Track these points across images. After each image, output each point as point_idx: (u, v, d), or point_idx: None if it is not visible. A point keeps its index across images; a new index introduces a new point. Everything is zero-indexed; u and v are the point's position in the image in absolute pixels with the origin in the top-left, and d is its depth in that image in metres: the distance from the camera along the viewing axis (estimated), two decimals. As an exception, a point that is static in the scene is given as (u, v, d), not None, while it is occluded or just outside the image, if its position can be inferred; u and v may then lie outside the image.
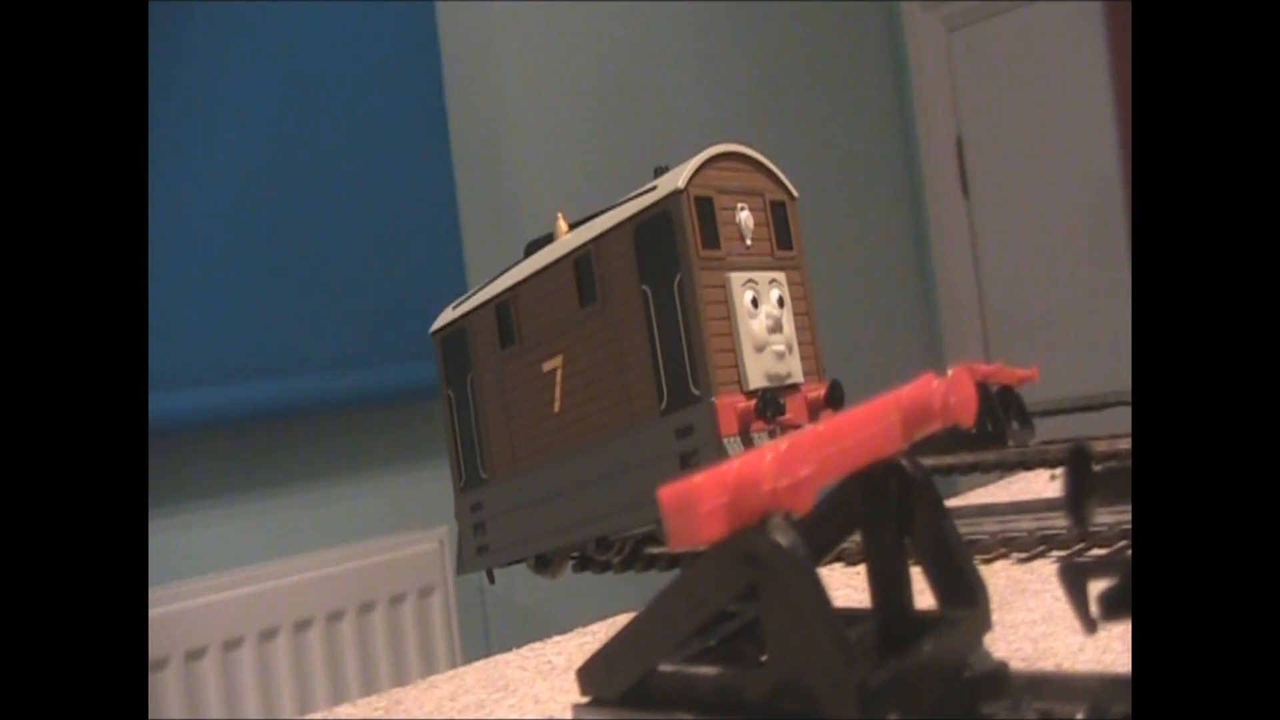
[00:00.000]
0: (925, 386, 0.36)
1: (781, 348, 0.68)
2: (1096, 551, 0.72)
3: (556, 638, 0.71)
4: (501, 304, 0.79)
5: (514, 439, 0.79)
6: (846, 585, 0.71)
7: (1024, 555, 0.74)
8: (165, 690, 1.44)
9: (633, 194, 0.70)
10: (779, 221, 0.71)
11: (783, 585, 0.31)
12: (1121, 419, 0.72)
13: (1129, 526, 0.71)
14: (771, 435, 0.66)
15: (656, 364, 0.67)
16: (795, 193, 0.73)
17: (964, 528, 0.81)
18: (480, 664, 0.68)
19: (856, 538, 0.40)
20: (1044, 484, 1.06)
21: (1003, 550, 0.75)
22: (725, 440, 0.64)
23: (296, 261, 1.64)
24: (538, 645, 0.70)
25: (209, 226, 1.55)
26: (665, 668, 0.37)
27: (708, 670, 0.36)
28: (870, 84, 2.91)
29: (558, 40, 2.15)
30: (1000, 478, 1.15)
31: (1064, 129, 2.67)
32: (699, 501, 0.31)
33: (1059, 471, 0.78)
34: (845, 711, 0.31)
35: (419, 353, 0.96)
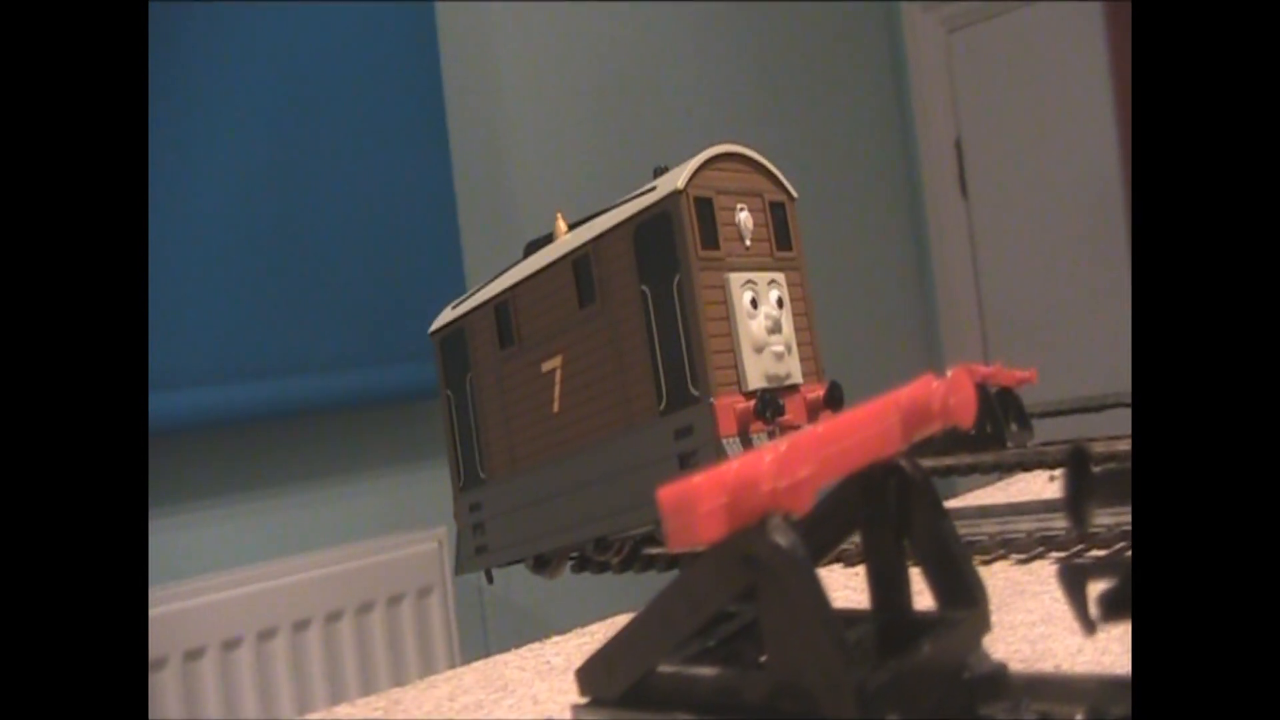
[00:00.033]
0: (924, 388, 0.36)
1: (780, 348, 0.68)
2: (1096, 553, 0.72)
3: (555, 638, 0.71)
4: (501, 304, 0.79)
5: (513, 439, 0.79)
6: (845, 586, 0.71)
7: (1023, 556, 0.74)
8: (164, 690, 1.44)
9: (632, 194, 0.70)
10: (778, 222, 0.71)
11: (782, 586, 0.31)
12: (1121, 420, 0.72)
13: (1128, 528, 0.71)
14: (770, 436, 0.66)
15: (655, 365, 0.67)
16: (794, 193, 0.73)
17: (963, 529, 0.81)
18: (479, 664, 0.68)
19: (856, 539, 0.40)
20: (1043, 485, 1.06)
21: (1002, 551, 0.75)
22: (724, 441, 0.64)
23: (296, 262, 1.64)
24: (536, 645, 0.70)
25: (209, 226, 1.55)
26: (664, 668, 0.37)
27: (707, 671, 0.36)
28: (869, 85, 2.91)
29: (557, 40, 2.15)
30: (999, 479, 1.15)
31: (1063, 130, 2.67)
32: (698, 502, 0.31)
33: (1058, 473, 0.78)
34: (844, 712, 0.31)
35: (418, 353, 0.96)
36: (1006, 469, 1.16)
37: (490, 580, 0.86)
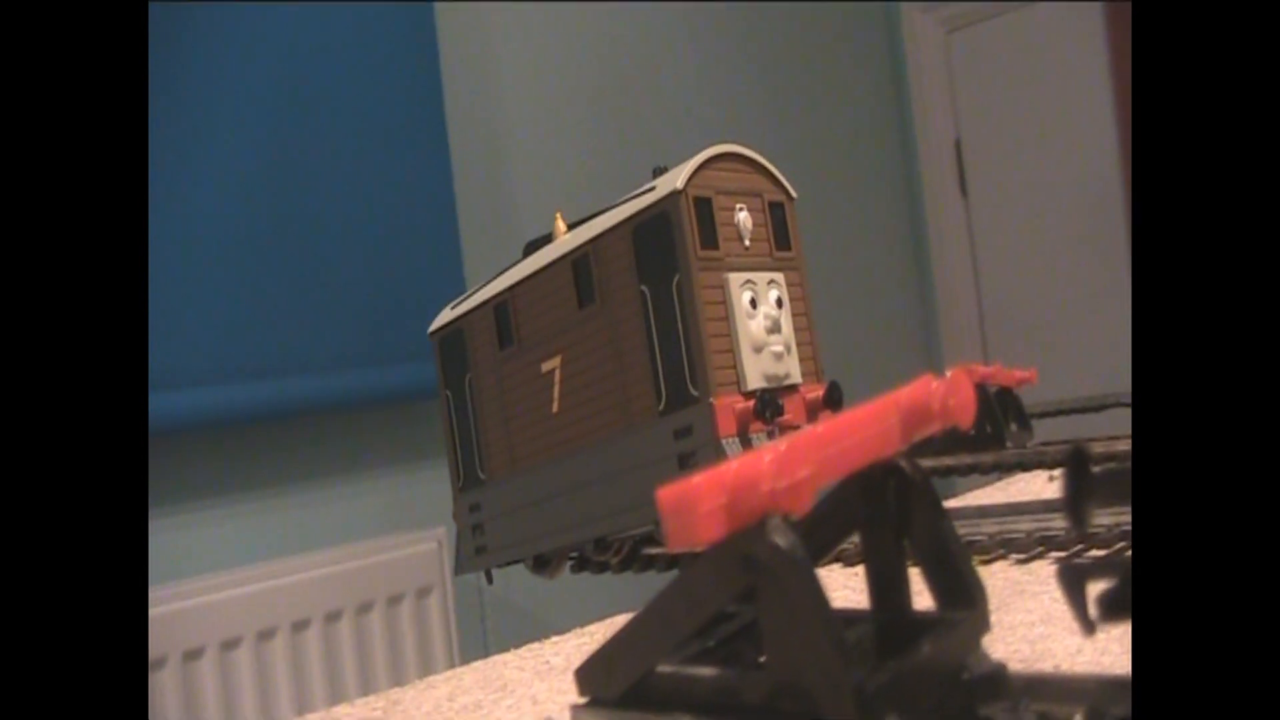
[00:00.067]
0: (924, 388, 0.36)
1: (780, 348, 0.68)
2: (1095, 553, 0.72)
3: (555, 638, 0.71)
4: (500, 304, 0.79)
5: (512, 439, 0.79)
6: (845, 586, 0.71)
7: (1022, 556, 0.74)
8: (163, 690, 1.44)
9: (631, 194, 0.70)
10: (777, 222, 0.71)
11: (781, 587, 0.31)
12: (1120, 420, 0.72)
13: (1128, 528, 0.71)
14: (770, 436, 0.66)
15: (655, 365, 0.67)
16: (794, 193, 0.73)
17: (962, 529, 0.81)
18: (478, 664, 0.68)
19: (855, 539, 0.40)
20: (1042, 485, 1.06)
21: (1001, 551, 0.75)
22: (724, 441, 0.64)
23: (296, 262, 1.64)
24: (536, 646, 0.70)
25: (209, 226, 1.55)
26: (664, 669, 0.37)
27: (706, 671, 0.36)
28: (869, 85, 2.91)
29: (557, 40, 2.15)
30: (999, 479, 1.15)
31: (1063, 130, 2.67)
32: (697, 502, 0.31)
33: (1057, 473, 0.78)
34: (843, 713, 0.31)
35: (418, 353, 0.96)
36: (1006, 469, 1.16)
37: (490, 580, 0.86)
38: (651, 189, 0.68)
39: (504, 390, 0.79)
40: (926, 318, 2.96)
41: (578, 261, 0.73)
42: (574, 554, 0.85)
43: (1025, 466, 1.14)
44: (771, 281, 0.69)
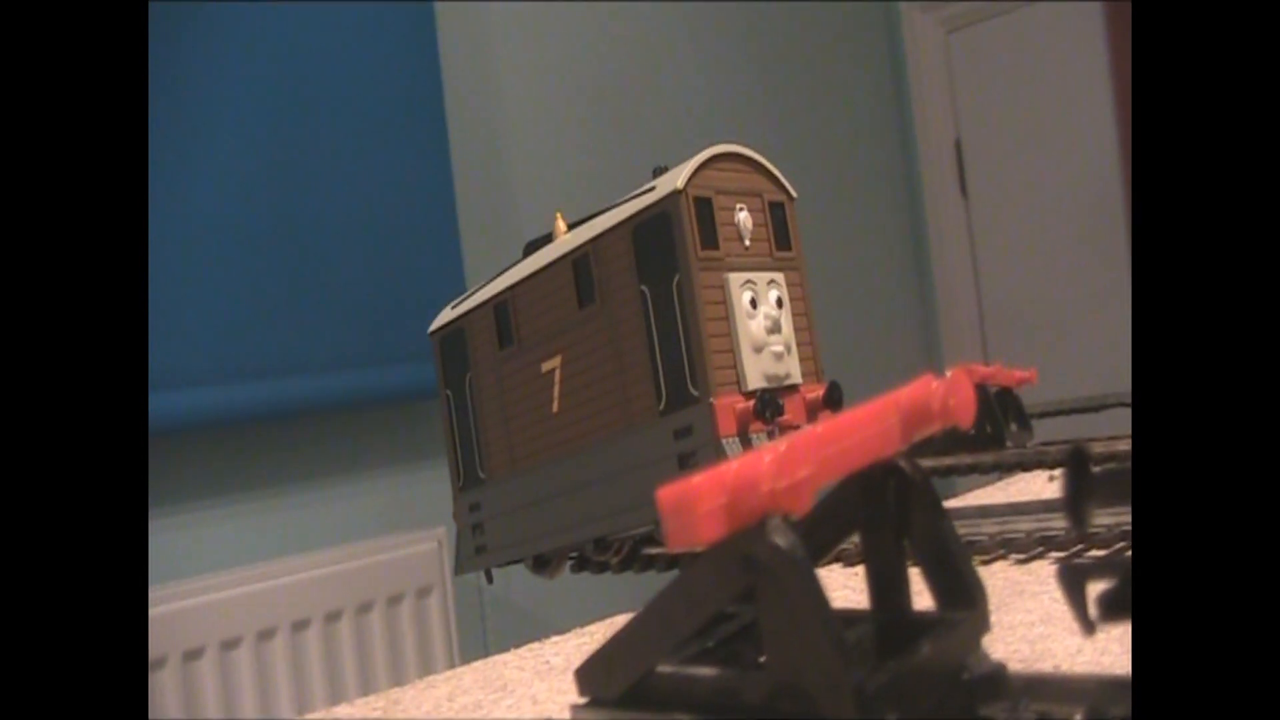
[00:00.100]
0: (924, 388, 0.36)
1: (780, 348, 0.68)
2: (1095, 553, 0.72)
3: (555, 638, 0.71)
4: (500, 304, 0.79)
5: (512, 439, 0.79)
6: (845, 586, 0.71)
7: (1022, 557, 0.74)
8: (163, 690, 1.44)
9: (631, 194, 0.70)
10: (778, 222, 0.71)
11: (781, 587, 0.31)
12: (1120, 420, 0.72)
13: (1128, 528, 0.71)
14: (770, 436, 0.66)
15: (655, 365, 0.67)
16: (794, 193, 0.73)
17: (962, 529, 0.81)
18: (478, 664, 0.68)
19: (855, 539, 0.40)
20: (1042, 485, 1.05)
21: (1001, 552, 0.75)
22: (724, 441, 0.64)
23: (296, 262, 1.64)
24: (536, 646, 0.70)
25: (209, 226, 1.55)
26: (663, 669, 0.37)
27: (706, 672, 0.36)
28: (869, 85, 2.91)
29: (557, 40, 2.15)
30: (999, 479, 1.15)
31: (1063, 130, 2.67)
32: (697, 502, 0.31)
33: (1058, 473, 0.78)
34: (843, 713, 0.30)
35: (418, 353, 0.96)
36: (1006, 469, 1.16)
37: (490, 580, 0.86)
38: (652, 189, 0.68)
39: (504, 390, 0.79)
40: (926, 318, 2.96)
41: (578, 261, 0.73)
42: (574, 554, 0.85)
43: (1025, 466, 1.14)
44: (772, 281, 0.69)
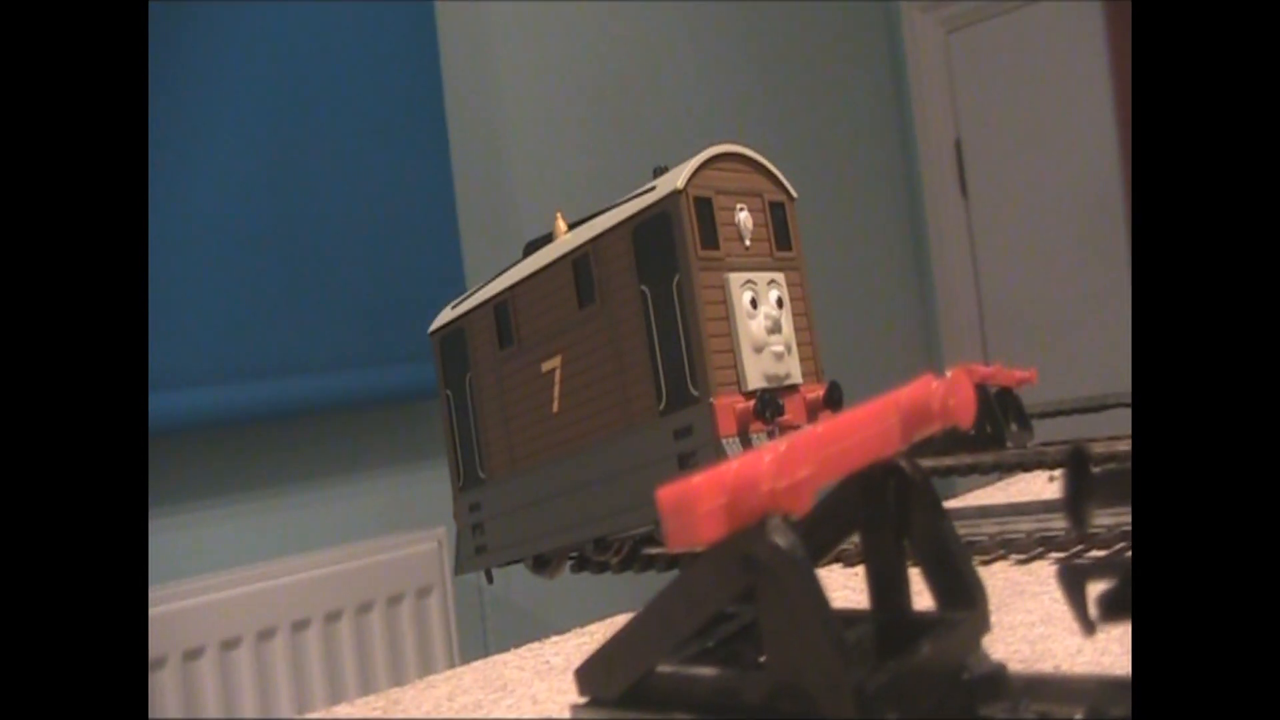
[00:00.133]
0: (924, 388, 0.36)
1: (780, 348, 0.68)
2: (1095, 553, 0.72)
3: (555, 638, 0.71)
4: (500, 304, 0.79)
5: (512, 439, 0.79)
6: (845, 586, 0.71)
7: (1022, 557, 0.74)
8: (163, 690, 1.44)
9: (632, 194, 0.70)
10: (778, 222, 0.71)
11: (781, 587, 0.31)
12: (1121, 421, 0.72)
13: (1128, 528, 0.71)
14: (770, 436, 0.66)
15: (655, 365, 0.67)
16: (794, 193, 0.73)
17: (963, 529, 0.81)
18: (478, 664, 0.68)
19: (855, 539, 0.40)
20: (1043, 486, 1.05)
21: (1001, 552, 0.75)
22: (724, 441, 0.64)
23: (296, 261, 1.64)
24: (536, 645, 0.70)
25: (209, 226, 1.55)
26: (663, 669, 0.37)
27: (706, 672, 0.36)
28: (869, 85, 2.91)
29: (557, 40, 2.15)
30: (999, 479, 1.15)
31: (1063, 130, 2.67)
32: (697, 502, 0.31)
33: (1058, 473, 0.78)
34: (843, 713, 0.30)
35: (418, 353, 0.96)
36: (1006, 469, 1.16)
37: (490, 580, 0.86)
38: (652, 189, 0.68)
39: (504, 390, 0.79)
40: (926, 318, 2.96)
41: (578, 261, 0.73)
42: (574, 554, 0.85)
43: (1025, 467, 1.14)
44: (772, 281, 0.69)
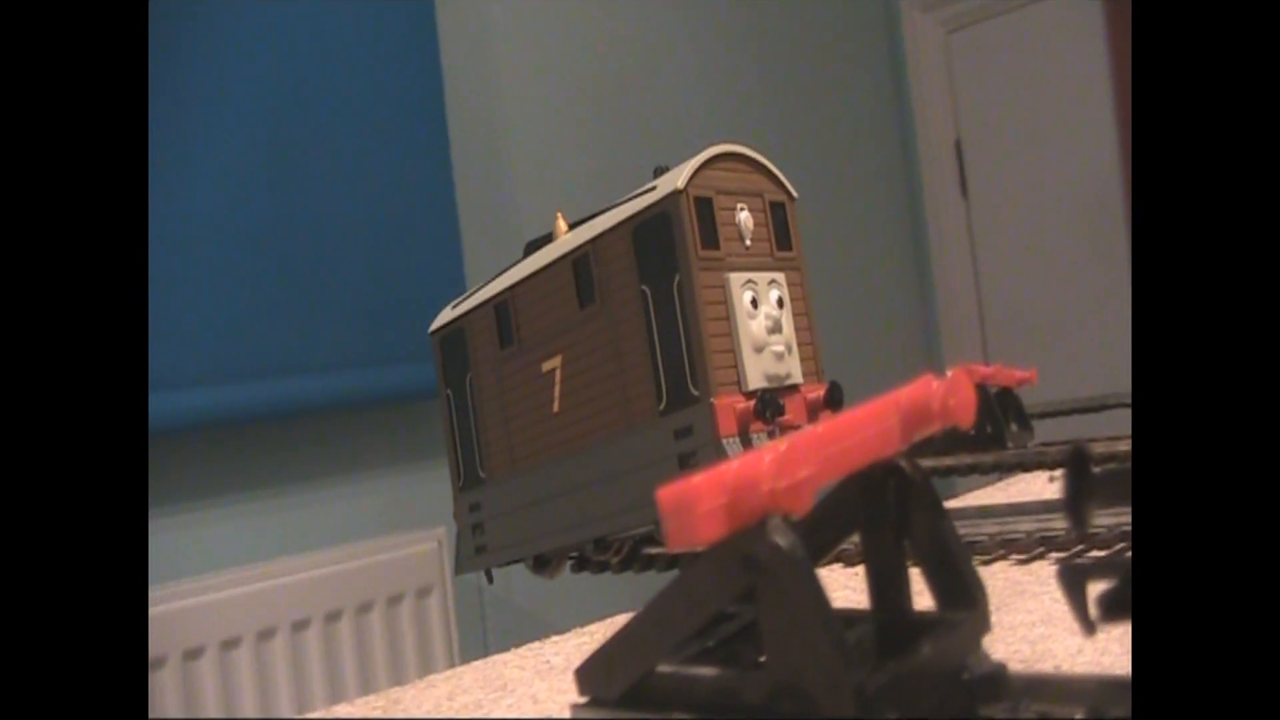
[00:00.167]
0: (924, 388, 0.36)
1: (780, 348, 0.68)
2: (1096, 553, 0.72)
3: (555, 638, 0.71)
4: (500, 304, 0.79)
5: (512, 439, 0.79)
6: (845, 586, 0.71)
7: (1023, 557, 0.74)
8: (163, 689, 1.44)
9: (632, 194, 0.70)
10: (778, 222, 0.71)
11: (781, 587, 0.31)
12: (1121, 421, 0.72)
13: (1128, 528, 0.71)
14: (770, 436, 0.66)
15: (655, 365, 0.67)
16: (794, 194, 0.73)
17: (963, 529, 0.81)
18: (478, 664, 0.68)
19: (855, 539, 0.40)
20: (1043, 486, 1.05)
21: (1001, 552, 0.75)
22: (724, 441, 0.64)
23: (295, 262, 1.64)
24: (536, 645, 0.70)
25: (209, 227, 1.55)
26: (664, 669, 0.37)
27: (706, 671, 0.36)
28: (869, 85, 2.91)
29: (557, 40, 2.15)
30: (999, 479, 1.15)
31: (1063, 131, 2.67)
32: (697, 502, 0.31)
33: (1058, 473, 0.78)
34: (843, 713, 0.30)
35: (418, 353, 0.96)
36: (1006, 469, 1.16)
37: (490, 580, 0.86)
38: (652, 189, 0.68)
39: (504, 390, 0.79)
40: (926, 318, 2.96)
41: (578, 261, 0.72)
42: (574, 554, 0.85)
43: (1025, 467, 1.14)
44: (772, 281, 0.69)
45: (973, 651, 0.37)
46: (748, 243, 0.69)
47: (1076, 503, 0.36)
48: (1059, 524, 0.78)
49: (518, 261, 0.79)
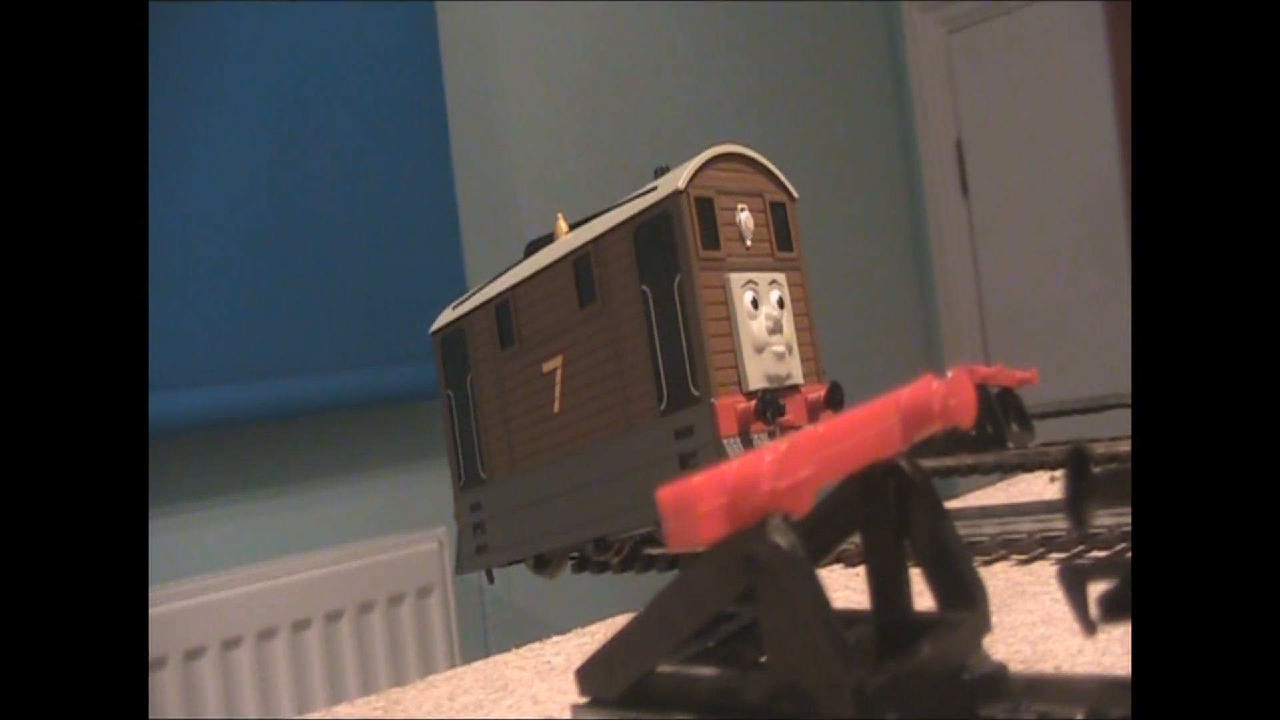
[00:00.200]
0: (925, 388, 0.36)
1: (781, 349, 0.68)
2: (1096, 554, 0.72)
3: (555, 638, 0.71)
4: (501, 304, 0.79)
5: (513, 439, 0.79)
6: (846, 587, 0.71)
7: (1023, 557, 0.74)
8: (164, 690, 1.44)
9: (633, 194, 0.70)
10: (779, 222, 0.71)
11: (781, 587, 0.31)
12: (1121, 421, 0.72)
13: (1129, 529, 0.71)
14: (771, 436, 0.66)
15: (656, 365, 0.67)
16: (795, 194, 0.73)
17: (964, 530, 0.81)
18: (479, 664, 0.68)
19: (856, 539, 0.40)
20: (1043, 486, 1.05)
21: (1002, 552, 0.75)
22: (725, 441, 0.64)
23: (296, 262, 1.64)
24: (536, 645, 0.70)
25: (209, 227, 1.55)
26: (664, 669, 0.37)
27: (706, 672, 0.36)
28: (870, 85, 2.91)
29: (557, 40, 2.15)
30: (1000, 480, 1.15)
31: (1064, 130, 2.67)
32: (698, 502, 0.31)
33: (1059, 473, 0.78)
34: (843, 713, 0.30)
35: (418, 353, 0.96)
36: (1007, 470, 1.16)
37: (491, 580, 0.86)
38: (653, 189, 0.68)
39: (505, 390, 0.79)
40: (927, 318, 2.96)
41: (579, 261, 0.72)
42: (575, 554, 0.85)
43: (1026, 467, 1.14)
44: (773, 281, 0.69)
45: (973, 652, 0.37)
46: (748, 243, 0.69)
47: (1077, 503, 0.36)
48: (1060, 524, 0.78)
49: (518, 262, 0.79)
